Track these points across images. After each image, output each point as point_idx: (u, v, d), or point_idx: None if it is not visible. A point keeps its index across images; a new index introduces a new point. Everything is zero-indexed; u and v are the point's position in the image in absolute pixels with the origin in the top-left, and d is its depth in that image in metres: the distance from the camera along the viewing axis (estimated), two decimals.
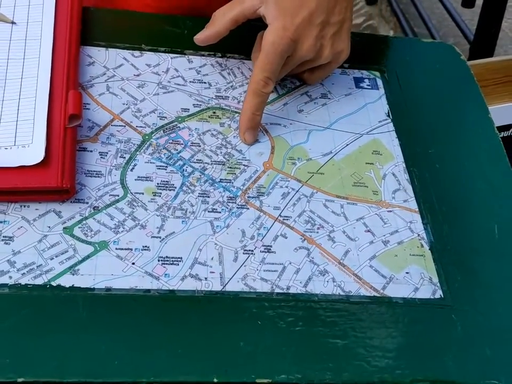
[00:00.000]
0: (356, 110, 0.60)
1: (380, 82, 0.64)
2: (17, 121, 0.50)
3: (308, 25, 0.54)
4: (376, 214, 0.53)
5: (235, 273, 0.47)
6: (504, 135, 0.77)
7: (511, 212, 0.55)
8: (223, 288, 0.46)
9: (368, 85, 0.63)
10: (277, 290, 0.46)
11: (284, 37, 0.53)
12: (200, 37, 0.58)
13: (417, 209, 0.54)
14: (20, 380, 0.39)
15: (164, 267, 0.46)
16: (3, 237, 0.45)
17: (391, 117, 0.60)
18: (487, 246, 0.52)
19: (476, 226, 0.53)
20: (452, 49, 0.69)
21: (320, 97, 0.61)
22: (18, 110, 0.51)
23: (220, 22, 0.57)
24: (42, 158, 0.47)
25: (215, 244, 0.48)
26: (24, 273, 0.44)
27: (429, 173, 0.56)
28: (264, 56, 0.53)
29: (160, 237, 0.48)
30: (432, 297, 0.48)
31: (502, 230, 0.53)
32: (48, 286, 0.44)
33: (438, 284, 0.49)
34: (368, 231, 0.51)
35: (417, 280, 0.49)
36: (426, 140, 0.59)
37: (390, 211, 0.53)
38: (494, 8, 1.78)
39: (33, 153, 0.47)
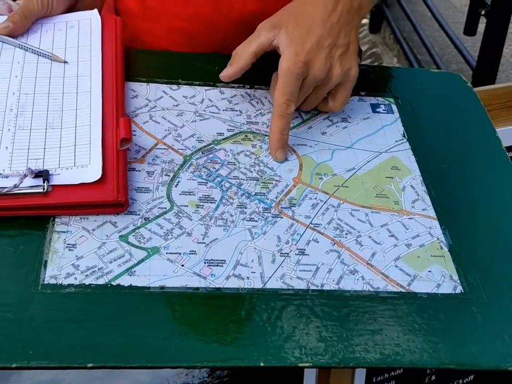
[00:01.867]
0: (374, 131, 0.66)
1: (394, 107, 0.70)
2: (75, 145, 0.56)
3: (317, 49, 0.61)
4: (398, 221, 0.58)
5: (274, 272, 0.52)
6: (510, 155, 0.83)
7: None
8: (263, 285, 0.51)
9: (384, 110, 0.69)
10: (312, 287, 0.51)
11: (297, 62, 0.59)
12: (225, 74, 0.64)
13: (435, 217, 0.59)
14: (89, 365, 0.44)
15: (210, 268, 0.51)
16: (67, 244, 0.51)
17: (406, 137, 0.66)
18: (499, 246, 0.57)
19: (488, 230, 0.58)
20: (459, 77, 0.75)
21: (341, 121, 0.67)
22: (75, 136, 0.57)
23: (241, 58, 0.63)
24: (99, 176, 0.53)
25: (254, 248, 0.53)
26: (87, 275, 0.49)
27: (443, 185, 0.62)
28: (282, 81, 0.60)
29: (205, 243, 0.53)
30: (453, 292, 0.53)
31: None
32: (109, 286, 0.49)
33: (458, 281, 0.54)
34: (392, 235, 0.56)
35: (438, 277, 0.54)
36: (440, 157, 0.65)
37: (411, 218, 0.58)
38: (496, 35, 1.86)
39: (92, 172, 0.53)
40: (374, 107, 0.70)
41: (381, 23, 3.47)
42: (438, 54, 2.70)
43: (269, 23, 0.62)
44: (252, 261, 0.52)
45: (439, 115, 0.70)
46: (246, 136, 0.63)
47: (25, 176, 0.52)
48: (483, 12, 1.96)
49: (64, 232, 0.52)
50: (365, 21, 3.71)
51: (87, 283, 0.49)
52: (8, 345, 0.44)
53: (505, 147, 0.79)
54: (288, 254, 0.53)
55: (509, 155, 0.82)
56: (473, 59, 2.07)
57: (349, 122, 0.67)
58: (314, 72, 0.61)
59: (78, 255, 0.50)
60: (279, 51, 0.61)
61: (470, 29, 1.98)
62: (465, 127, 0.69)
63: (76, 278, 0.49)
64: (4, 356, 0.43)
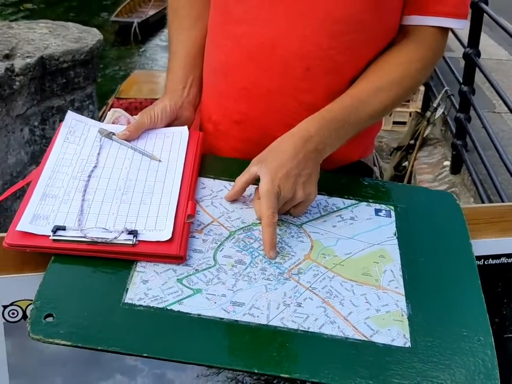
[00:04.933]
0: (372, 229, 0.90)
1: (393, 213, 0.93)
2: (157, 216, 0.84)
3: (287, 178, 0.86)
4: (374, 293, 0.80)
5: (276, 315, 0.75)
6: (496, 262, 1.02)
7: (472, 301, 0.80)
8: (267, 322, 0.74)
9: (384, 214, 0.93)
10: (301, 328, 0.74)
11: (273, 185, 0.84)
12: (227, 196, 0.90)
13: (403, 293, 0.80)
14: (144, 354, 0.69)
15: (233, 307, 0.76)
16: (142, 279, 0.77)
17: (396, 235, 0.89)
18: (448, 320, 0.77)
19: (443, 309, 0.79)
20: (451, 196, 0.98)
21: (349, 219, 0.91)
22: (158, 210, 0.85)
23: (237, 185, 0.89)
24: (169, 237, 0.80)
25: (266, 298, 0.77)
26: (152, 300, 0.75)
27: (416, 272, 0.84)
28: (265, 199, 0.84)
29: (233, 290, 0.78)
30: (403, 346, 0.74)
31: (460, 311, 0.78)
32: (165, 309, 0.74)
33: (409, 339, 0.75)
34: (367, 302, 0.79)
35: (395, 334, 0.75)
36: (419, 252, 0.87)
37: (385, 292, 0.80)
38: None
39: (165, 234, 0.80)
40: (377, 211, 0.93)
41: (461, 166, 3.72)
42: (508, 196, 2.93)
43: (256, 159, 0.88)
44: (263, 306, 0.76)
45: (427, 223, 0.92)
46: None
47: (122, 232, 0.80)
48: None
49: (142, 272, 0.78)
50: (446, 163, 3.98)
51: (151, 305, 0.74)
52: (100, 333, 0.70)
53: (492, 255, 0.99)
54: (289, 305, 0.77)
55: (497, 262, 1.02)
56: None
57: (355, 220, 0.91)
58: (284, 193, 0.85)
59: (148, 287, 0.76)
60: (260, 178, 0.87)
61: None
62: (446, 234, 0.91)
63: (144, 301, 0.75)
64: (100, 340, 0.69)
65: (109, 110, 1.08)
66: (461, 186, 3.73)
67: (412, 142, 4.40)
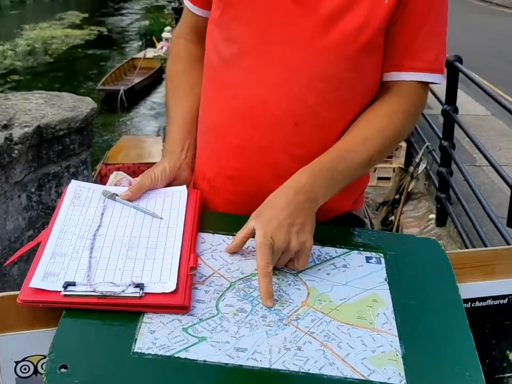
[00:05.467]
0: (364, 275, 0.95)
1: (383, 260, 0.99)
2: (161, 270, 0.89)
3: (279, 228, 0.91)
4: (369, 335, 0.85)
5: (278, 359, 0.79)
6: (483, 305, 1.07)
7: (461, 339, 0.85)
8: (270, 366, 0.78)
9: (374, 261, 0.98)
10: (302, 370, 0.78)
11: (266, 237, 0.90)
12: (227, 249, 0.96)
13: (397, 335, 0.85)
14: None
15: (237, 352, 0.80)
16: (150, 330, 0.81)
17: (387, 281, 0.94)
18: (440, 358, 0.82)
19: (434, 347, 0.84)
20: (435, 242, 1.04)
21: (342, 267, 0.96)
22: (162, 263, 0.90)
23: (237, 239, 0.95)
24: (174, 289, 0.84)
25: (268, 343, 0.82)
26: (160, 349, 0.79)
27: (408, 314, 0.89)
28: (260, 251, 0.90)
29: (236, 337, 0.82)
30: (398, 383, 0.78)
31: (451, 349, 0.83)
32: (172, 356, 0.78)
33: (404, 377, 0.79)
34: (363, 344, 0.83)
35: (391, 373, 0.79)
36: (409, 294, 0.92)
37: (379, 334, 0.85)
38: None
39: (170, 286, 0.85)
40: (368, 259, 0.99)
41: (446, 218, 3.82)
42: (494, 246, 3.02)
43: (254, 214, 0.94)
44: (265, 351, 0.80)
45: (415, 268, 0.98)
46: (273, 272, 0.94)
47: (129, 285, 0.84)
48: None
49: (149, 322, 0.83)
50: (432, 216, 4.09)
51: (159, 353, 0.78)
52: (112, 381, 0.74)
53: (478, 297, 1.05)
54: (289, 349, 0.81)
55: (483, 304, 1.07)
56: None
57: (348, 267, 0.96)
58: (278, 244, 0.91)
59: (156, 337, 0.81)
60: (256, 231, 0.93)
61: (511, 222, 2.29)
62: (434, 277, 0.96)
63: (153, 350, 0.79)
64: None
65: (97, 176, 1.14)
66: (447, 238, 3.81)
67: (397, 196, 4.50)
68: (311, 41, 1.00)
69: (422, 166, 4.41)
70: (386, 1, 0.99)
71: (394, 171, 5.09)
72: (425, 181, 4.67)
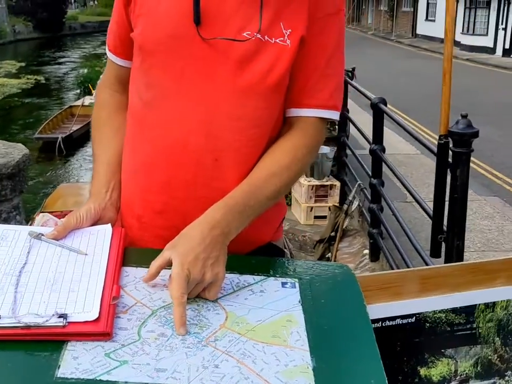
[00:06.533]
0: (280, 298, 1.02)
1: (297, 284, 1.06)
2: (85, 300, 0.93)
3: (195, 261, 0.98)
4: (283, 351, 0.91)
5: (196, 377, 0.85)
6: (393, 324, 1.15)
7: (367, 353, 0.92)
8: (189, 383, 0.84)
9: (289, 286, 1.06)
10: None
11: (183, 269, 0.96)
12: (144, 279, 1.00)
13: (308, 350, 0.92)
14: None
15: (157, 373, 0.84)
16: (73, 356, 0.85)
17: (301, 303, 1.02)
18: (347, 370, 0.89)
19: (342, 359, 0.91)
20: (346, 267, 1.12)
21: (259, 292, 1.03)
22: (86, 295, 0.94)
23: (152, 269, 1.00)
24: (96, 317, 0.89)
25: (187, 363, 0.87)
26: (82, 373, 0.83)
27: (319, 332, 0.96)
28: (175, 282, 0.95)
29: (156, 359, 0.87)
30: None
31: (358, 361, 0.90)
32: (94, 379, 0.82)
33: None
34: (277, 359, 0.89)
35: (302, 383, 0.86)
36: (320, 315, 0.99)
37: (292, 350, 0.92)
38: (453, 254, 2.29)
39: (92, 315, 0.90)
40: (283, 284, 1.06)
41: (379, 253, 3.99)
42: None
43: (169, 245, 1.00)
44: (184, 370, 0.86)
45: (327, 290, 1.06)
46: (194, 299, 0.99)
47: (53, 316, 0.88)
48: (442, 238, 2.48)
49: (72, 350, 0.86)
50: (366, 251, 4.25)
51: (81, 377, 0.82)
52: None
53: (386, 317, 1.13)
54: (207, 367, 0.87)
55: (392, 324, 1.16)
56: None
57: (264, 292, 1.03)
58: (193, 276, 0.97)
59: (79, 363, 0.85)
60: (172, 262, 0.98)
61: (434, 253, 2.48)
62: (344, 299, 1.04)
63: (75, 374, 0.83)
64: None
65: (33, 224, 1.19)
66: (380, 271, 3.94)
67: (332, 234, 4.64)
68: (226, 83, 1.09)
69: (355, 204, 4.57)
70: (290, 46, 1.09)
71: (329, 209, 5.25)
72: (358, 218, 4.83)
